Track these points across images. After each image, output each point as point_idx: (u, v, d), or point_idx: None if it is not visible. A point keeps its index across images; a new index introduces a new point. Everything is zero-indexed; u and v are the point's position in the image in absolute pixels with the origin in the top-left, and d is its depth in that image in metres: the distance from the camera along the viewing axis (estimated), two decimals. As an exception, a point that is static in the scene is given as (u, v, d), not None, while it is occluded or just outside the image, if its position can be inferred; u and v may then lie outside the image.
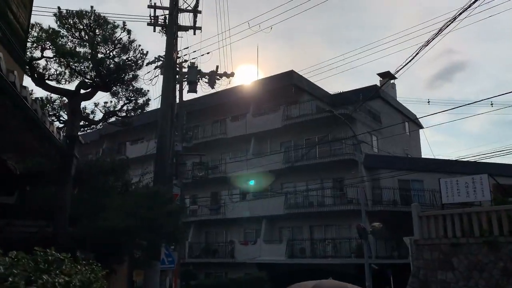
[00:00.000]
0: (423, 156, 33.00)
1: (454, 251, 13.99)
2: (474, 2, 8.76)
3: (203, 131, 31.27)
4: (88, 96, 7.62)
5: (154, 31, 10.88)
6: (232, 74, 11.17)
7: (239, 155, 29.58)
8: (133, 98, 7.94)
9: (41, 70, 7.13)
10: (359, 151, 24.48)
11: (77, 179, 7.38)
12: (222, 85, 11.42)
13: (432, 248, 14.90)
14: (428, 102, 62.11)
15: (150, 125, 27.67)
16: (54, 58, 7.01)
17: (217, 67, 11.01)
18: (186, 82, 10.98)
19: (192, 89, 10.73)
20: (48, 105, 7.82)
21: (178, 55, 10.61)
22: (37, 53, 6.93)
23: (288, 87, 27.52)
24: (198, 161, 16.65)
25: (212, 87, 11.07)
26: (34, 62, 6.90)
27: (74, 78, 7.25)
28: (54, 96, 8.16)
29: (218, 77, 11.01)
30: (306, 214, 25.25)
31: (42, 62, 7.12)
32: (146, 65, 8.78)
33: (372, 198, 24.15)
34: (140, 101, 8.07)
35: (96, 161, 8.28)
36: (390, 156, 25.80)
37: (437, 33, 10.14)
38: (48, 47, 6.91)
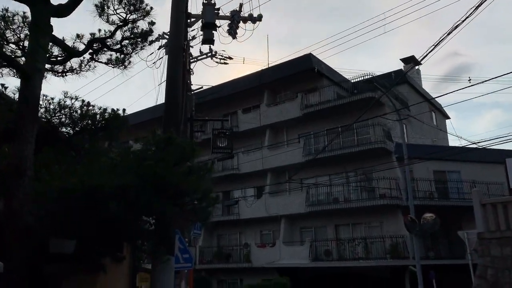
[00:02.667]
0: (451, 148, 30.34)
1: (536, 245, 11.31)
2: None
3: (212, 124, 28.66)
4: (63, 11, 5.07)
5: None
6: (259, 18, 8.60)
7: (252, 150, 26.98)
8: (130, 19, 5.42)
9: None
10: (390, 139, 21.87)
11: (46, 134, 4.82)
12: (245, 36, 8.81)
13: (503, 242, 12.16)
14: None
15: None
16: None
17: (241, 5, 8.47)
18: (200, 30, 8.54)
19: (208, 38, 8.13)
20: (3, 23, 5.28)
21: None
22: None
23: (306, 72, 24.97)
24: (219, 128, 13.48)
25: (234, 37, 8.49)
26: None
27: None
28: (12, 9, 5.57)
29: (241, 21, 8.45)
30: (330, 211, 22.54)
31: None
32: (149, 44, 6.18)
33: (404, 193, 21.39)
34: (142, 25, 5.57)
35: (83, 113, 5.67)
36: (424, 145, 23.09)
37: (465, 19, 8.86)
38: None
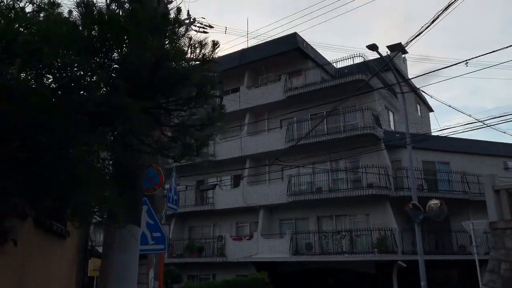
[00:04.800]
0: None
1: None
2: None
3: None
4: None
5: None
6: None
7: (230, 135, 25.06)
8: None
9: None
10: (379, 125, 20.44)
11: None
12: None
13: (518, 232, 10.85)
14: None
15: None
16: None
17: None
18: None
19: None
20: None
21: None
22: None
23: (291, 53, 23.25)
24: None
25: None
26: None
27: None
28: None
29: None
30: (313, 202, 20.92)
31: None
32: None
33: (393, 183, 20.01)
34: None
35: None
36: (413, 134, 21.73)
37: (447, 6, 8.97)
38: None
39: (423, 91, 28.72)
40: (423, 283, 12.37)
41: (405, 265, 18.15)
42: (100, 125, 2.64)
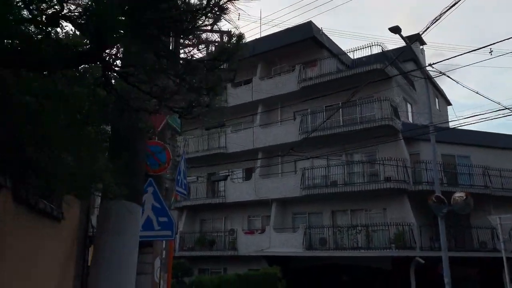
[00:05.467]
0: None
1: None
2: None
3: (198, 99, 26.10)
4: None
5: None
6: None
7: (242, 127, 24.54)
8: None
9: None
10: (398, 116, 19.71)
11: None
12: None
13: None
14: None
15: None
16: None
17: None
18: None
19: None
20: None
21: None
22: None
23: (305, 42, 22.57)
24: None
25: None
26: None
27: None
28: None
29: None
30: (327, 196, 20.28)
31: None
32: None
33: (411, 176, 19.28)
34: None
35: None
36: (433, 126, 20.92)
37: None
38: None
39: (438, 87, 27.78)
40: (446, 280, 11.71)
41: (423, 262, 17.45)
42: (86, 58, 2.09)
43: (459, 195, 11.26)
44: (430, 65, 11.01)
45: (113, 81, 2.41)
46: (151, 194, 4.71)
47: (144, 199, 4.71)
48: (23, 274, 3.12)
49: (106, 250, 2.90)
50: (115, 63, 2.26)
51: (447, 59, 24.36)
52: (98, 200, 3.73)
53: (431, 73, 23.86)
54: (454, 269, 18.02)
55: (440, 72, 10.99)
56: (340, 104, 20.47)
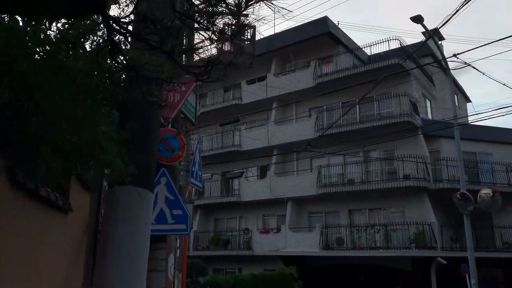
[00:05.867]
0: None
1: None
2: None
3: (212, 97, 25.87)
4: None
5: None
6: None
7: (257, 124, 24.20)
8: None
9: None
10: (417, 112, 19.14)
11: None
12: None
13: None
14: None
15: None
16: None
17: None
18: None
19: None
20: None
21: None
22: None
23: (321, 38, 22.12)
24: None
25: None
26: None
27: None
28: None
29: None
30: (344, 194, 19.80)
31: None
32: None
33: (431, 174, 18.68)
34: None
35: None
36: (452, 122, 20.26)
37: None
38: None
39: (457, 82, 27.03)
40: (473, 281, 11.17)
41: (445, 262, 16.87)
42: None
43: (485, 192, 10.73)
44: (455, 55, 10.50)
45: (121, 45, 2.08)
46: (164, 186, 4.39)
47: (157, 191, 4.39)
48: (23, 271, 2.81)
49: (114, 240, 2.57)
50: (121, 19, 1.92)
51: (472, 49, 23.27)
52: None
53: (454, 66, 23.19)
54: (477, 270, 17.43)
55: (465, 63, 10.46)
56: (357, 100, 20.02)
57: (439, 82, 24.44)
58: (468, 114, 26.45)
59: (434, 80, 23.64)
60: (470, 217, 20.35)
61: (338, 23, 22.03)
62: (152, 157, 2.92)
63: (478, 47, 9.47)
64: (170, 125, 4.58)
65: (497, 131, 21.10)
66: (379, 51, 21.63)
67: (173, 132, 4.52)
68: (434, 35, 26.01)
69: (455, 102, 12.56)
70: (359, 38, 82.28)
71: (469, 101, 29.96)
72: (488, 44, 9.21)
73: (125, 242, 2.58)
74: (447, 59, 11.37)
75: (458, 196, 11.08)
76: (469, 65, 10.34)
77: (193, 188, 7.00)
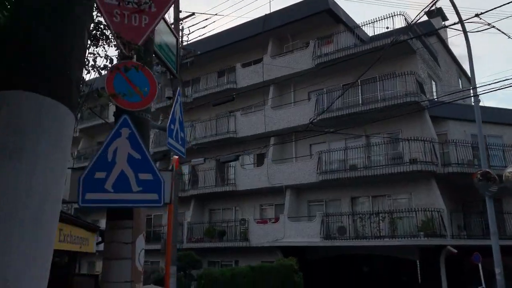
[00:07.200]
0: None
1: None
2: None
3: (205, 82, 24.57)
4: None
5: None
6: None
7: (253, 110, 22.97)
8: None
9: None
10: (424, 93, 17.97)
11: None
12: None
13: None
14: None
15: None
16: None
17: None
18: None
19: None
20: None
21: None
22: None
23: (320, 16, 20.84)
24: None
25: None
26: None
27: None
28: None
29: None
30: (346, 181, 18.63)
31: None
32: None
33: (439, 158, 17.53)
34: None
35: None
36: (460, 104, 19.16)
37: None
38: None
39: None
40: (498, 270, 10.02)
41: (456, 251, 15.79)
42: None
43: (510, 170, 9.56)
44: (477, 15, 9.26)
45: None
46: (126, 139, 3.16)
47: (116, 147, 3.16)
48: None
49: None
50: None
51: (493, 9, 21.15)
52: None
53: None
54: (487, 259, 16.37)
55: (488, 24, 9.22)
56: (359, 82, 18.80)
57: (443, 64, 23.28)
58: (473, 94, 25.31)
59: (440, 58, 22.47)
60: (477, 204, 19.46)
61: (337, 7, 20.69)
62: (76, 42, 1.65)
63: (497, 7, 7.99)
64: (135, 57, 3.33)
65: (506, 113, 20.00)
66: (383, 27, 20.32)
67: (141, 67, 3.28)
68: (437, 14, 24.90)
69: (473, 69, 11.33)
70: (360, 12, 79.89)
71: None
72: (508, 3, 7.93)
73: (8, 190, 1.33)
74: (466, 21, 10.14)
75: (479, 176, 9.93)
76: (493, 26, 9.12)
77: (178, 160, 5.78)
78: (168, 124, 3.91)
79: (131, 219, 3.39)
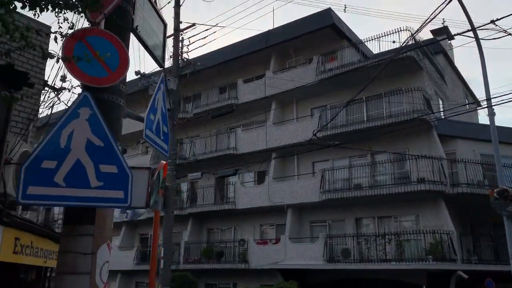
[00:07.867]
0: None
1: None
2: None
3: (206, 97, 24.07)
4: None
5: None
6: None
7: (254, 126, 22.38)
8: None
9: None
10: (431, 110, 17.39)
11: None
12: None
13: None
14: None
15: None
16: None
17: None
18: None
19: None
20: None
21: None
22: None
23: (324, 31, 20.45)
24: None
25: None
26: None
27: None
28: None
29: None
30: (351, 200, 17.83)
31: None
32: None
33: (447, 178, 16.79)
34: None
35: None
36: (469, 123, 18.56)
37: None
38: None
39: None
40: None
41: (467, 277, 14.88)
42: None
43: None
44: (492, 21, 8.72)
45: None
46: (85, 121, 2.50)
47: (71, 129, 2.50)
48: None
49: None
50: None
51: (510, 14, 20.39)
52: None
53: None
54: (500, 286, 15.43)
55: (504, 30, 8.68)
56: (364, 98, 18.26)
57: (450, 82, 22.78)
58: (487, 105, 24.69)
59: (446, 76, 21.98)
60: (485, 227, 18.57)
61: (345, 8, 20.35)
62: None
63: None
64: (102, 24, 2.72)
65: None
66: (389, 41, 19.81)
67: (109, 37, 2.65)
68: (441, 35, 24.55)
69: (487, 80, 10.72)
70: (365, 26, 79.72)
71: (479, 104, 28.31)
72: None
73: None
74: (478, 28, 9.59)
75: (496, 194, 9.20)
76: (510, 34, 8.55)
77: (166, 166, 5.13)
78: (146, 113, 3.25)
79: (92, 223, 2.71)
